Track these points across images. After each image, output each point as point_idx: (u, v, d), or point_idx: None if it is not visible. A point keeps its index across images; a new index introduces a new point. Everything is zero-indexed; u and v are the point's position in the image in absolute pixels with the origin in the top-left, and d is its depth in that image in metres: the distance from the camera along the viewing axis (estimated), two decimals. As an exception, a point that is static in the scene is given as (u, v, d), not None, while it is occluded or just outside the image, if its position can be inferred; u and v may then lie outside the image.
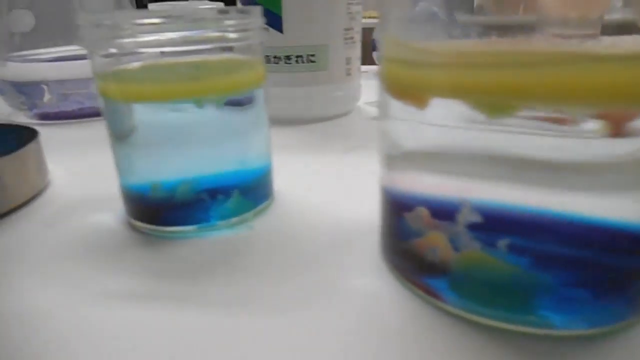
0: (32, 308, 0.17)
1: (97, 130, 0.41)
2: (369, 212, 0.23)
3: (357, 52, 0.40)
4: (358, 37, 0.40)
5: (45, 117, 0.44)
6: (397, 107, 0.16)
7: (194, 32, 0.19)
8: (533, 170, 0.14)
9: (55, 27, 0.48)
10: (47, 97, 0.43)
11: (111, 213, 0.24)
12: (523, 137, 0.14)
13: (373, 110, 0.43)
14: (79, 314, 0.17)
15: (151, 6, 0.51)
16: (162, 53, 0.20)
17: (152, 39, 0.19)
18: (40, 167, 0.27)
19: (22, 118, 0.45)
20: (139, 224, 0.22)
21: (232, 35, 0.20)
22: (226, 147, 0.22)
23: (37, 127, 0.29)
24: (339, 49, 0.38)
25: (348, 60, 0.39)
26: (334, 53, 0.38)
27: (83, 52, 0.47)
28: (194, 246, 0.21)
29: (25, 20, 0.45)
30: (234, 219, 0.22)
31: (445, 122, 0.15)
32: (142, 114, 0.21)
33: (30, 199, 0.26)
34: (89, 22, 0.20)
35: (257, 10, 0.21)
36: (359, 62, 0.41)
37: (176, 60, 0.20)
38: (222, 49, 0.20)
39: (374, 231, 0.21)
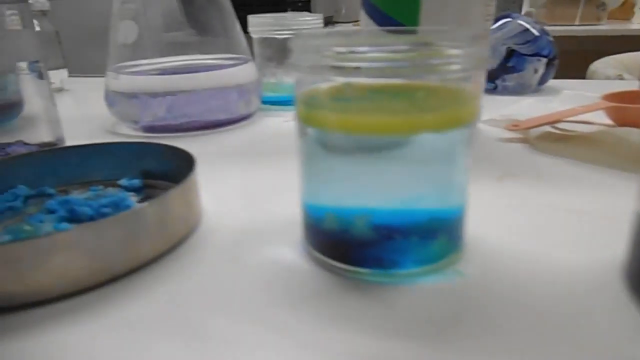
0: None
1: (211, 145, 0.40)
2: (586, 255, 0.21)
3: (484, 70, 0.38)
4: (488, 55, 0.38)
5: (151, 129, 0.43)
6: None
7: (423, 61, 0.17)
8: None
9: (156, 39, 0.47)
10: (154, 109, 0.42)
11: (286, 244, 0.23)
12: None
13: (492, 131, 0.41)
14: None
15: (251, 18, 0.50)
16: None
17: (376, 66, 0.17)
18: (198, 195, 0.25)
19: (126, 130, 0.44)
20: (331, 261, 0.20)
21: (456, 67, 0.18)
22: (431, 178, 0.19)
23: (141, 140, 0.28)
24: (472, 67, 0.36)
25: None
26: (466, 71, 0.36)
27: (187, 64, 0.46)
28: (411, 294, 0.19)
29: (130, 31, 0.44)
30: (435, 265, 0.20)
31: None
32: (350, 141, 0.19)
33: (193, 230, 0.24)
34: (306, 48, 0.18)
35: (484, 36, 0.19)
36: (484, 80, 0.39)
37: (387, 83, 0.19)
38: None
39: (610, 278, 0.19)
